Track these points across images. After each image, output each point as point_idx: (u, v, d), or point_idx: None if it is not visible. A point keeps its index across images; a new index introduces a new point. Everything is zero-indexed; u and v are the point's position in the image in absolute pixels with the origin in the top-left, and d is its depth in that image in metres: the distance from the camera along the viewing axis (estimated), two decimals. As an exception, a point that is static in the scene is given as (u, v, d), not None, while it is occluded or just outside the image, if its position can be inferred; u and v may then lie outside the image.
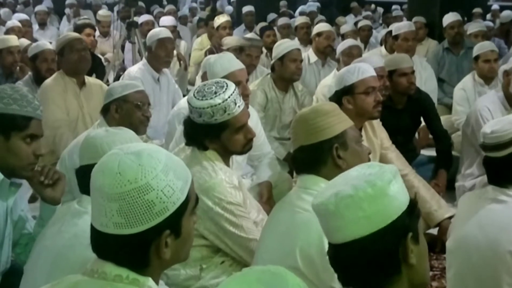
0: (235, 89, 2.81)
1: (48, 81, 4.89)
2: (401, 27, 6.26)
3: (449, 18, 6.84)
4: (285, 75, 5.03)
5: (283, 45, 5.14)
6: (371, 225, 1.48)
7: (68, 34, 5.29)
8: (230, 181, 2.80)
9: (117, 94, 3.59)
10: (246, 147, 2.91)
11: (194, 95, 2.81)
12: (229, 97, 2.76)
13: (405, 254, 1.51)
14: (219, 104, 2.74)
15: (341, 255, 1.52)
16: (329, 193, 1.54)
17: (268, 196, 3.92)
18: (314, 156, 2.31)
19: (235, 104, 2.78)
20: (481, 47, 5.45)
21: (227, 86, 2.80)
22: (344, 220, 1.49)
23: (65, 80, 4.84)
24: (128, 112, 3.56)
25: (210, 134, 2.80)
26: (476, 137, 4.25)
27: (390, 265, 1.51)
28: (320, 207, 1.54)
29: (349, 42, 5.89)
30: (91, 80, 5.06)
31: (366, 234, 1.48)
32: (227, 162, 2.90)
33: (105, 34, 8.97)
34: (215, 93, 2.77)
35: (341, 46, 5.77)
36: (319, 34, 6.48)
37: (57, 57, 5.04)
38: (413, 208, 1.54)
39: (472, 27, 7.08)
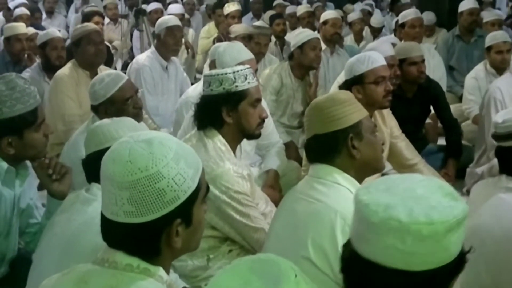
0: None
1: (61, 73, 4.75)
2: (407, 14, 6.21)
3: (468, 4, 6.72)
4: (305, 62, 5.10)
5: (303, 34, 5.23)
6: (400, 261, 1.28)
7: (86, 25, 5.06)
8: (237, 171, 2.79)
9: (101, 98, 3.43)
10: (258, 127, 2.91)
11: (211, 71, 2.94)
12: (247, 68, 2.87)
13: None
14: (241, 70, 2.84)
15: (355, 268, 1.34)
16: (382, 198, 1.31)
17: (273, 184, 3.91)
18: (328, 146, 2.27)
19: (253, 76, 2.87)
20: (494, 38, 5.38)
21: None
22: (377, 237, 1.29)
23: (78, 73, 4.72)
24: (118, 111, 3.37)
25: (230, 103, 2.81)
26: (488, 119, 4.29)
27: None
28: (363, 208, 1.32)
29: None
30: (103, 70, 4.81)
31: (388, 266, 1.28)
32: (234, 149, 2.88)
33: (115, 20, 8.92)
34: (233, 67, 2.90)
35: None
36: (325, 22, 6.43)
37: (72, 47, 4.85)
38: (456, 267, 1.33)
39: (488, 15, 6.92)
